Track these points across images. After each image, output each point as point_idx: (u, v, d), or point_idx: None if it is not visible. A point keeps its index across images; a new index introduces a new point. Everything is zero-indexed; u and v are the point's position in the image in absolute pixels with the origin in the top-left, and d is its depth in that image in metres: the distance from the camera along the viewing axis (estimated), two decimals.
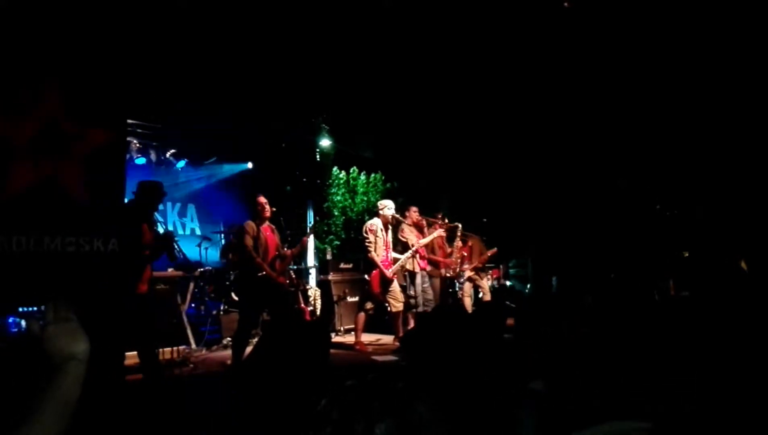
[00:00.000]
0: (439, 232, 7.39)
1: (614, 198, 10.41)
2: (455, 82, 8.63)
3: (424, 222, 7.45)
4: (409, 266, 6.91)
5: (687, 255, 9.12)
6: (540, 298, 9.42)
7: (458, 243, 7.92)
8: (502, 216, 9.78)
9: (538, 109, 9.34)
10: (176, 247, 4.78)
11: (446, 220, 7.78)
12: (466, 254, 8.31)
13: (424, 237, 7.22)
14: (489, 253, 8.49)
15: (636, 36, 7.45)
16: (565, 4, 6.88)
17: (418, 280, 6.91)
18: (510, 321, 7.07)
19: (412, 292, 6.91)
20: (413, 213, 7.30)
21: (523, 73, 8.43)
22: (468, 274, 8.37)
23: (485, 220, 8.89)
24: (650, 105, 8.70)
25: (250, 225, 5.47)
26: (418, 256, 6.98)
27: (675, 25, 7.14)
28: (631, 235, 9.67)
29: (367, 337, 7.10)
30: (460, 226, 7.83)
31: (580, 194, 10.46)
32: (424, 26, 7.43)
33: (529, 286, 10.79)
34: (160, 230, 4.98)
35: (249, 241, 5.35)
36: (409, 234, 7.10)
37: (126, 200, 4.97)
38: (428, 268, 7.27)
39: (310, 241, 9.66)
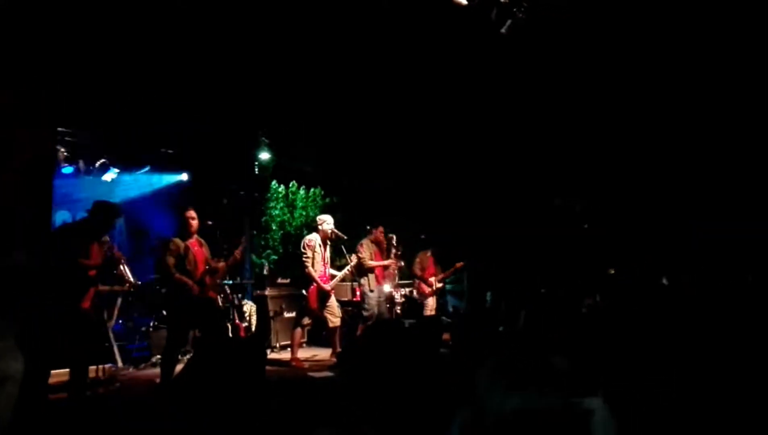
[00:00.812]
0: (392, 261, 7.85)
1: (549, 215, 10.79)
2: (391, 98, 8.73)
3: (384, 241, 7.76)
4: (369, 285, 7.27)
5: (612, 272, 9.55)
6: (475, 313, 9.62)
7: (393, 257, 8.09)
8: (439, 231, 9.91)
9: (475, 125, 9.57)
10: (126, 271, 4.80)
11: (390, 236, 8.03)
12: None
13: (383, 255, 7.65)
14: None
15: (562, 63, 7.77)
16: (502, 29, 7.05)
17: (375, 295, 7.31)
18: (446, 336, 7.17)
19: (366, 307, 7.25)
20: (379, 232, 7.68)
21: (458, 91, 8.61)
22: (438, 285, 8.74)
23: (423, 236, 9.01)
24: (584, 127, 9.07)
25: (175, 242, 5.32)
26: (374, 273, 7.40)
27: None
28: (562, 252, 10.03)
29: (303, 353, 7.02)
30: (394, 236, 8.07)
31: (515, 211, 10.77)
32: (366, 42, 7.49)
33: (464, 301, 10.96)
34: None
35: (171, 260, 5.23)
36: (366, 250, 7.35)
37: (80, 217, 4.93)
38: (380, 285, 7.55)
39: (247, 256, 9.50)
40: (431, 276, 8.68)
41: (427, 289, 8.61)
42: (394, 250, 8.04)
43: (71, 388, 4.51)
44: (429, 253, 8.82)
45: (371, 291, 7.28)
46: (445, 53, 7.60)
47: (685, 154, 8.80)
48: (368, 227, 7.65)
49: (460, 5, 6.10)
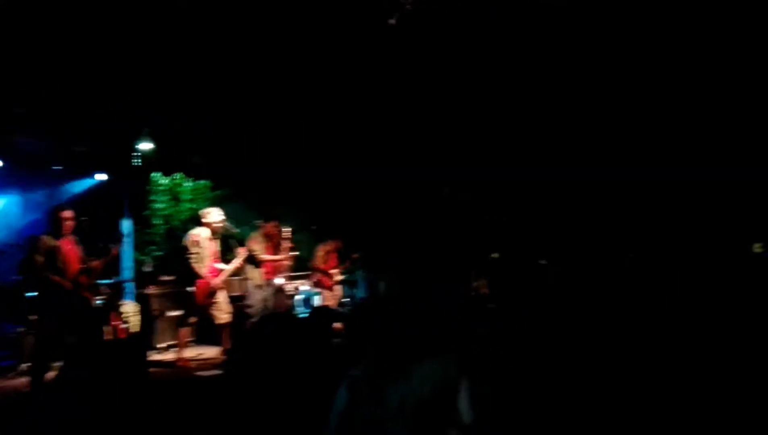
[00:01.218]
0: (285, 255, 7.73)
1: (438, 204, 11.15)
2: (279, 86, 8.57)
3: (277, 235, 7.69)
4: (255, 280, 7.20)
5: (496, 256, 10.06)
6: (369, 302, 9.73)
7: (285, 248, 8.00)
8: (332, 221, 9.93)
9: (367, 113, 9.64)
10: None
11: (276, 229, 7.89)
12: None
13: (275, 249, 7.57)
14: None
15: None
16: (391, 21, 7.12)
17: (263, 292, 7.30)
18: (339, 325, 7.18)
19: (251, 303, 7.21)
20: (270, 226, 7.62)
21: (345, 78, 8.62)
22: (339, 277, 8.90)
23: (314, 227, 8.99)
24: (468, 119, 9.42)
25: (44, 241, 4.98)
26: (263, 269, 7.35)
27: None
28: (451, 239, 10.41)
29: (191, 352, 6.77)
30: (287, 230, 8.01)
31: (406, 200, 11.02)
32: (252, 26, 7.28)
33: (358, 290, 11.06)
34: None
35: (39, 259, 4.87)
36: (256, 245, 7.25)
37: None
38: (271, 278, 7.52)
39: (128, 253, 8.98)
40: (332, 268, 8.73)
41: (329, 282, 8.68)
42: (287, 245, 7.95)
43: None
44: (331, 246, 8.84)
45: (258, 287, 7.19)
46: (327, 40, 7.55)
47: (555, 145, 9.41)
48: (257, 222, 7.50)
49: None
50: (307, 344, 5.59)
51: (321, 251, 8.83)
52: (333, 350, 6.19)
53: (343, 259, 9.05)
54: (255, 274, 7.33)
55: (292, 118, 9.54)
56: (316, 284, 8.88)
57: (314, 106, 9.24)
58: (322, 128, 9.88)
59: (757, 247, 8.48)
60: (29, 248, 5.04)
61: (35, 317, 5.86)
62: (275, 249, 7.63)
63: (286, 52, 7.79)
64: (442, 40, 7.46)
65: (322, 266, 8.73)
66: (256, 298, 7.21)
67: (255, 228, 7.57)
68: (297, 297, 8.85)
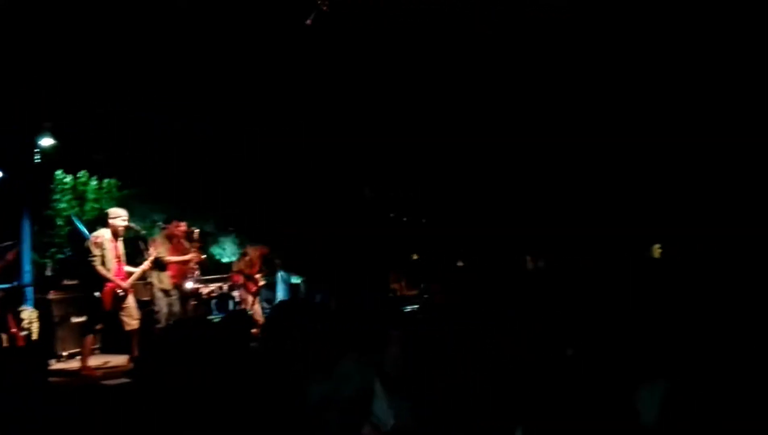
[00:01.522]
0: (192, 256, 7.41)
1: (359, 205, 11.16)
2: (193, 79, 8.30)
3: (181, 236, 7.40)
4: (161, 283, 6.80)
5: (416, 257, 10.20)
6: (289, 304, 9.59)
7: (194, 253, 7.77)
8: (251, 223, 9.74)
9: (286, 118, 9.52)
10: None
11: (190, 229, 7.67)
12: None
13: (180, 251, 7.25)
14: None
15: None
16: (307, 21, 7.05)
17: (170, 296, 6.98)
18: (255, 330, 7.02)
19: (156, 308, 6.87)
20: (174, 227, 7.31)
21: (262, 77, 8.49)
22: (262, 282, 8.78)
23: (231, 229, 8.78)
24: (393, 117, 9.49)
25: None
26: (169, 272, 7.01)
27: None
28: (372, 239, 10.45)
29: (96, 361, 6.41)
30: (197, 230, 7.83)
31: (327, 201, 10.96)
32: (155, 21, 7.01)
33: (277, 292, 10.90)
34: None
35: None
36: (160, 246, 6.95)
37: None
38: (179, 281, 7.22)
39: (27, 255, 8.39)
40: (257, 273, 8.65)
41: (254, 287, 8.51)
42: (195, 245, 7.74)
43: None
44: (258, 251, 8.74)
45: (163, 290, 6.93)
46: (246, 35, 7.41)
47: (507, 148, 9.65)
48: (159, 223, 7.18)
49: None
50: (221, 349, 5.43)
51: (249, 256, 8.67)
52: (250, 354, 6.05)
53: (268, 264, 8.93)
54: (160, 278, 7.00)
55: (212, 113, 9.27)
56: (236, 287, 8.71)
57: (231, 101, 9.02)
58: (239, 126, 9.67)
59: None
60: None
61: None
62: (180, 250, 7.33)
63: (197, 41, 7.57)
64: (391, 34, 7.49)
65: (247, 271, 8.56)
66: (163, 303, 6.89)
67: (157, 229, 7.24)
68: (214, 301, 8.64)
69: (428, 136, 9.62)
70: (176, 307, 7.06)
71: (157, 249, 6.85)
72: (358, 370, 2.45)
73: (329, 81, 8.56)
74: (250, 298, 8.61)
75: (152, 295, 7.08)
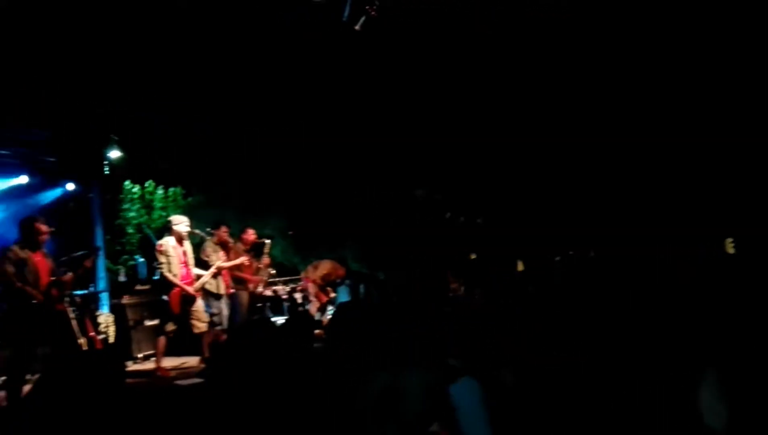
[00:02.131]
0: (243, 260, 7.41)
1: (412, 207, 11.19)
2: (249, 89, 8.53)
3: (231, 241, 7.42)
4: (212, 288, 6.80)
5: (473, 257, 10.12)
6: (350, 306, 9.72)
7: (265, 259, 8.06)
8: (309, 227, 9.92)
9: (340, 120, 9.65)
10: None
11: (255, 236, 7.86)
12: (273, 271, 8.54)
13: (229, 256, 7.22)
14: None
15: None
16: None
17: (223, 301, 7.01)
18: (319, 332, 7.17)
19: (215, 311, 6.90)
20: (222, 232, 7.27)
21: (313, 85, 8.63)
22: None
23: (291, 232, 8.97)
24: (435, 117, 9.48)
25: (13, 251, 4.86)
26: (220, 276, 7.02)
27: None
28: (427, 240, 10.46)
29: (170, 362, 6.68)
30: (268, 242, 8.03)
31: (381, 203, 11.04)
32: (213, 34, 7.24)
33: (337, 294, 11.06)
34: None
35: (10, 268, 4.76)
36: (212, 253, 7.02)
37: None
38: (232, 287, 7.30)
39: (101, 263, 8.84)
40: (328, 286, 8.98)
41: (324, 298, 8.73)
42: (266, 252, 8.01)
43: None
44: (337, 270, 9.00)
45: (215, 295, 7.00)
46: (294, 47, 7.56)
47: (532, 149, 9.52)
48: (209, 229, 7.24)
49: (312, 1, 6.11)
50: (286, 351, 5.58)
51: (326, 270, 8.91)
52: (313, 356, 6.18)
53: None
54: (215, 283, 7.08)
55: (268, 122, 9.50)
56: (300, 291, 8.93)
57: (289, 111, 9.22)
58: (296, 133, 9.86)
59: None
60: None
61: (8, 330, 5.73)
62: (230, 255, 7.40)
63: (258, 55, 7.78)
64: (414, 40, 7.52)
65: (320, 282, 8.87)
66: (221, 306, 7.05)
67: (209, 235, 7.28)
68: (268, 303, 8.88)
69: (483, 136, 9.56)
70: (226, 311, 7.13)
71: (209, 256, 7.00)
72: (423, 391, 2.45)
73: (379, 82, 8.64)
74: (314, 308, 8.79)
75: (207, 300, 7.22)
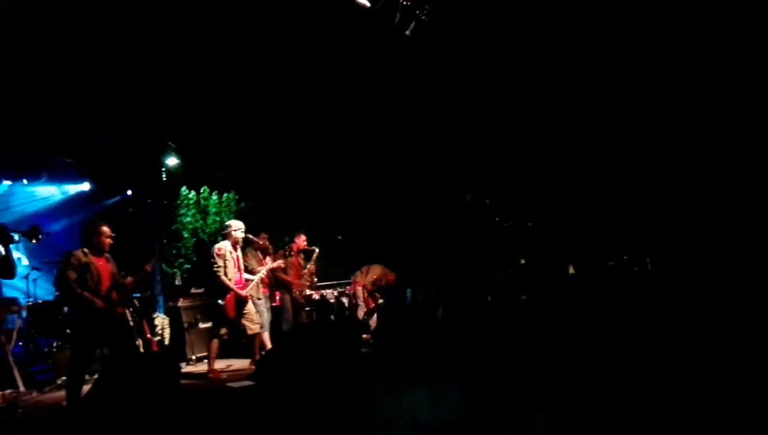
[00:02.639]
0: (278, 263, 7.46)
1: (461, 212, 11.10)
2: (300, 99, 8.68)
3: (270, 248, 7.62)
4: (252, 291, 6.88)
5: (523, 262, 9.93)
6: (397, 311, 9.73)
7: (312, 266, 8.24)
8: (355, 232, 9.98)
9: (386, 127, 9.69)
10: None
11: (306, 243, 8.05)
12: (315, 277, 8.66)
13: (266, 261, 7.38)
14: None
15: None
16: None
17: (262, 305, 7.13)
18: (366, 336, 7.20)
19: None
20: (262, 238, 7.47)
21: (365, 93, 8.70)
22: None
23: (339, 237, 9.04)
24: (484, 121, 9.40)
25: (75, 255, 5.03)
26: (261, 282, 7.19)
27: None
28: (475, 246, 10.35)
29: (219, 364, 6.83)
30: (317, 250, 8.20)
31: (429, 208, 11.01)
32: (273, 44, 7.40)
33: (384, 299, 11.08)
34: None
35: (72, 274, 4.93)
36: (251, 259, 7.19)
37: None
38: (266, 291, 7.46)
39: (157, 267, 9.14)
40: (377, 292, 8.97)
41: (372, 304, 8.77)
42: (314, 259, 8.15)
43: None
44: (382, 269, 9.02)
45: (258, 299, 7.08)
46: (349, 55, 7.64)
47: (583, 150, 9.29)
48: (249, 236, 7.31)
49: (363, 7, 6.16)
50: (335, 354, 5.64)
51: (376, 276, 8.96)
52: (361, 359, 6.22)
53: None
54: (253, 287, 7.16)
55: (318, 130, 9.64)
56: (347, 295, 8.98)
57: (339, 119, 9.33)
58: (344, 140, 9.97)
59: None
60: (62, 263, 5.12)
61: (70, 332, 5.98)
62: (273, 260, 7.55)
63: (311, 63, 7.91)
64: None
65: (369, 287, 8.92)
66: (260, 310, 7.15)
67: (248, 244, 7.33)
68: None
69: (535, 137, 9.41)
70: (267, 315, 7.29)
71: (249, 261, 7.10)
72: (447, 394, 2.45)
73: (428, 86, 8.63)
74: (361, 313, 8.83)
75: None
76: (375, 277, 8.97)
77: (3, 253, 4.42)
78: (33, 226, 4.89)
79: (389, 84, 8.51)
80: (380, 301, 8.95)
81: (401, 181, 11.00)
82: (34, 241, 4.85)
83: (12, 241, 4.51)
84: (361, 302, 8.92)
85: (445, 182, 10.96)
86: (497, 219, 10.80)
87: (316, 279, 8.69)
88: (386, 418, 2.39)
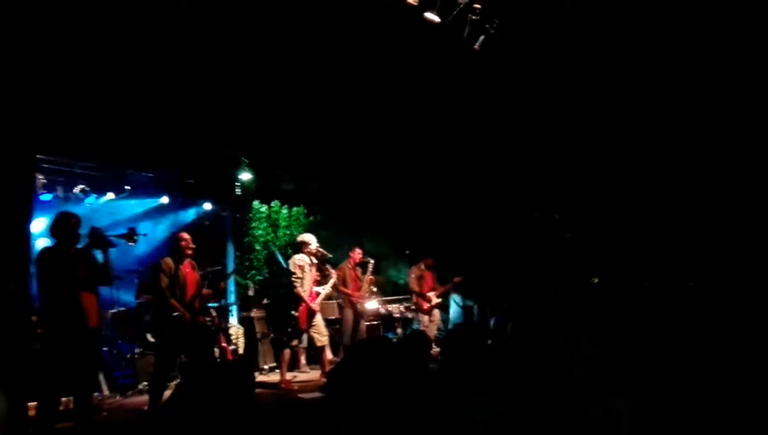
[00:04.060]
0: (332, 280, 7.41)
1: (528, 229, 10.89)
2: (369, 112, 8.80)
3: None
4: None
5: (596, 281, 9.60)
6: (464, 326, 9.61)
7: (369, 277, 8.26)
8: (424, 246, 9.95)
9: (456, 144, 9.68)
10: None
11: (362, 256, 8.18)
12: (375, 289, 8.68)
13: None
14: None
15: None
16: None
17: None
18: (435, 351, 7.15)
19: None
20: (357, 254, 7.95)
21: (437, 105, 8.71)
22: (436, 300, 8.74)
23: (408, 251, 9.04)
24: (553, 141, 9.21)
25: (167, 262, 5.26)
26: None
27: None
28: (544, 263, 10.12)
29: (290, 374, 6.97)
30: (372, 262, 8.22)
31: (496, 225, 10.86)
32: (342, 60, 7.56)
33: (450, 314, 10.97)
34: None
35: (164, 281, 5.15)
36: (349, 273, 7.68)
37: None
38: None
39: (231, 278, 9.45)
40: (429, 291, 8.69)
41: (426, 305, 8.63)
42: (370, 270, 8.20)
43: (78, 413, 4.48)
44: (424, 267, 8.80)
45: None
46: (421, 69, 7.70)
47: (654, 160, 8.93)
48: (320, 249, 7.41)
49: (432, 22, 6.22)
50: (403, 370, 5.64)
51: (413, 273, 8.82)
52: (430, 375, 6.18)
53: (442, 280, 8.98)
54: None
55: (382, 142, 9.74)
56: (413, 309, 8.91)
57: (406, 132, 9.39)
58: (410, 152, 10.02)
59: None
60: (152, 271, 5.36)
61: (154, 339, 6.25)
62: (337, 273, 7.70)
63: (378, 79, 8.03)
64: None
65: (416, 289, 8.72)
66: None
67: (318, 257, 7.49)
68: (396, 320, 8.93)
69: (608, 150, 9.15)
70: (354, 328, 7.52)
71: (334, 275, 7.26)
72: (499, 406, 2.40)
73: (498, 101, 8.57)
74: (425, 318, 8.71)
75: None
76: (414, 275, 8.84)
77: (102, 259, 4.71)
78: (130, 229, 5.16)
79: (457, 98, 8.51)
80: (435, 301, 8.77)
81: (465, 196, 10.92)
82: (131, 243, 5.09)
83: (111, 245, 4.78)
84: (419, 313, 8.83)
85: (513, 198, 10.79)
86: (567, 235, 10.52)
87: (375, 289, 8.67)
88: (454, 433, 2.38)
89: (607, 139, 8.91)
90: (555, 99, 8.28)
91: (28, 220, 4.54)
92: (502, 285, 10.00)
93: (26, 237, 4.46)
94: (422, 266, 8.86)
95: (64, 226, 4.55)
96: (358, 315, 8.07)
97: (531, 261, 10.18)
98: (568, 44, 6.97)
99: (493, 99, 8.45)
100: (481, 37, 6.70)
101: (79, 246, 4.63)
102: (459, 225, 10.93)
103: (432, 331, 8.52)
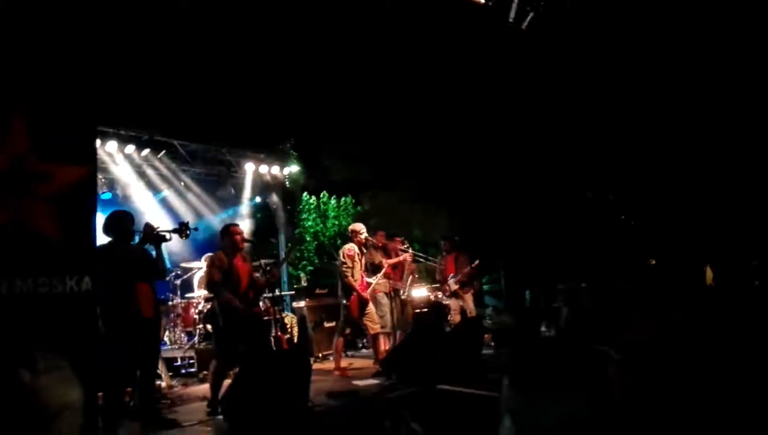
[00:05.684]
0: (405, 256, 7.61)
1: (582, 209, 10.65)
2: (413, 98, 8.75)
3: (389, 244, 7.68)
4: (382, 288, 7.01)
5: (653, 262, 9.32)
6: (516, 312, 9.53)
7: (410, 263, 8.02)
8: (474, 232, 9.87)
9: (505, 126, 9.54)
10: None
11: (406, 244, 7.94)
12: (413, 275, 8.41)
13: (388, 258, 7.46)
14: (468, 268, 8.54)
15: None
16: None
17: (386, 306, 7.15)
18: (487, 337, 7.07)
19: (380, 313, 7.08)
20: (380, 236, 7.53)
21: (485, 89, 8.60)
22: (454, 287, 8.45)
23: (457, 238, 8.95)
24: (613, 121, 8.96)
25: (219, 257, 5.37)
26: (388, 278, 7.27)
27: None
28: (599, 245, 9.88)
29: (345, 361, 7.05)
30: (409, 251, 7.91)
31: (548, 207, 10.66)
32: (386, 50, 7.55)
33: (503, 300, 10.88)
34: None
35: (217, 275, 5.26)
36: (375, 255, 7.31)
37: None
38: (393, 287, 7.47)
39: (284, 268, 9.61)
40: (450, 276, 8.53)
41: (447, 291, 8.54)
42: (401, 250, 7.85)
43: (141, 403, 4.69)
44: (446, 254, 8.70)
45: (383, 297, 7.16)
46: (465, 54, 7.61)
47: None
48: (368, 237, 7.32)
49: (477, 3, 6.12)
50: (458, 355, 5.65)
51: (437, 260, 8.77)
52: (483, 361, 6.17)
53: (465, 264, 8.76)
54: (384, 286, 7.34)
55: (429, 128, 9.69)
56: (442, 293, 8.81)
57: (449, 116, 9.32)
58: (457, 136, 9.93)
59: None
60: (207, 265, 5.49)
61: (213, 330, 6.43)
62: (389, 258, 7.59)
63: (421, 68, 7.98)
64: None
65: (439, 277, 8.73)
66: (386, 310, 7.16)
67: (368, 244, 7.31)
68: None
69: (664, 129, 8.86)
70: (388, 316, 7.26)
71: (374, 257, 7.24)
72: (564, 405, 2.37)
73: (551, 81, 8.40)
74: (450, 303, 8.54)
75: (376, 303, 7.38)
76: (436, 262, 8.75)
77: (155, 254, 4.87)
78: (182, 223, 5.29)
79: (506, 81, 8.38)
80: (453, 287, 8.57)
81: (517, 179, 10.76)
82: (183, 237, 5.23)
83: (164, 239, 4.94)
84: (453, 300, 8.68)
85: (567, 178, 10.56)
86: (623, 217, 10.23)
87: (417, 276, 8.52)
88: (512, 420, 2.36)
89: (663, 117, 8.62)
90: (606, 80, 8.05)
91: (91, 218, 4.72)
92: (556, 268, 9.82)
93: (91, 234, 4.63)
94: (443, 253, 8.72)
95: (117, 224, 4.72)
96: (401, 303, 7.93)
97: (586, 243, 9.96)
98: (626, 21, 6.74)
99: (541, 80, 8.28)
100: (530, 15, 6.57)
101: (134, 242, 4.82)
102: (510, 209, 10.78)
103: (456, 318, 8.31)
